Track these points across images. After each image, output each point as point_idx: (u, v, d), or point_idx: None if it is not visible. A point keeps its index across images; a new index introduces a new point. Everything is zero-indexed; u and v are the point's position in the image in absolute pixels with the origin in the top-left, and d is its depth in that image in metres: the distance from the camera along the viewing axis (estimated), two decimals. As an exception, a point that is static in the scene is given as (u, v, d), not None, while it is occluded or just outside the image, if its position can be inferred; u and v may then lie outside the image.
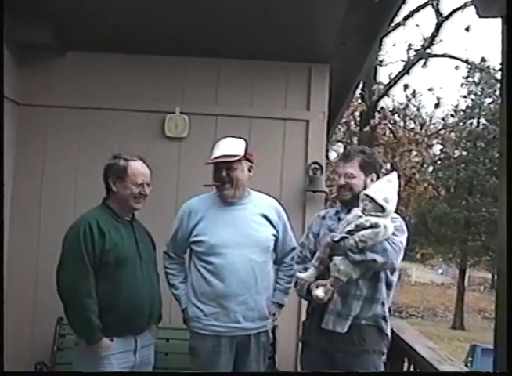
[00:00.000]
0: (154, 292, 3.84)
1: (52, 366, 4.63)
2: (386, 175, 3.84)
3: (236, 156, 3.96)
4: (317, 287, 3.63)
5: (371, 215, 3.59)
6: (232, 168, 3.96)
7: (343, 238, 3.63)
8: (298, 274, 3.85)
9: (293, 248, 4.17)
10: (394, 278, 3.81)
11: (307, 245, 3.94)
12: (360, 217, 3.64)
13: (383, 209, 3.58)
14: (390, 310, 3.86)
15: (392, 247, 3.56)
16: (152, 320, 3.86)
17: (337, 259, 3.63)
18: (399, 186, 3.79)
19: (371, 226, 3.54)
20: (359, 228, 3.58)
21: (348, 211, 3.81)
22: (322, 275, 3.71)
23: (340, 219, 3.86)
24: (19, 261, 5.11)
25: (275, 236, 4.09)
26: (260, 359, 4.05)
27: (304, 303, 4.91)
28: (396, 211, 3.78)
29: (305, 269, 3.80)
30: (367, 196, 3.63)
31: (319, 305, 3.69)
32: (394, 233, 3.63)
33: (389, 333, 3.79)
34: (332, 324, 3.68)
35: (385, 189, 3.65)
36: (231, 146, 4.01)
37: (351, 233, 3.61)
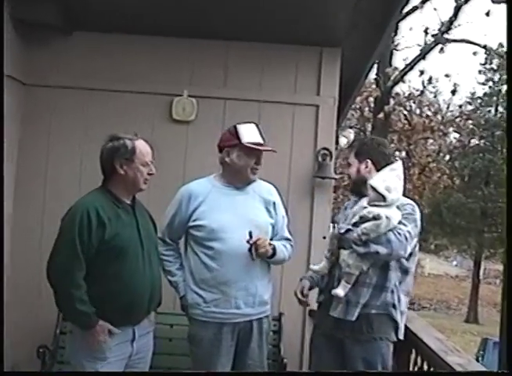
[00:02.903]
0: (155, 281, 3.76)
1: (55, 350, 4.70)
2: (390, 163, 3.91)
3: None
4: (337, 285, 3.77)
5: (375, 206, 3.66)
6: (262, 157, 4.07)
7: (348, 230, 3.73)
8: (312, 266, 4.08)
9: (286, 238, 4.20)
10: (411, 264, 3.87)
11: None
12: (365, 208, 3.71)
13: (384, 198, 3.63)
14: (407, 297, 3.92)
15: (397, 238, 3.61)
16: (151, 309, 3.81)
17: (344, 254, 3.75)
18: (404, 174, 3.83)
19: (374, 218, 3.60)
20: (363, 220, 3.66)
21: None
22: (333, 266, 3.87)
23: None
24: (23, 243, 5.18)
25: (272, 222, 4.12)
26: (262, 346, 4.08)
27: (311, 291, 4.99)
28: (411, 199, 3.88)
29: None
30: (370, 185, 3.70)
31: (329, 292, 3.83)
32: (401, 222, 3.68)
33: (399, 320, 3.83)
34: (342, 312, 3.80)
35: (388, 178, 3.70)
36: (261, 135, 4.08)
37: (356, 224, 3.70)
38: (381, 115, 18.74)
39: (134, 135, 3.75)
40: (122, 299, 3.56)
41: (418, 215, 3.82)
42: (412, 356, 4.26)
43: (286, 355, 4.95)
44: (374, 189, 3.66)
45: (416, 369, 4.13)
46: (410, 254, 3.81)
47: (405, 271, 3.85)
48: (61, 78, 5.33)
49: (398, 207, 3.73)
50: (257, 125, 4.11)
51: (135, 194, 3.82)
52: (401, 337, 3.87)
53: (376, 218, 3.59)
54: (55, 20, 5.01)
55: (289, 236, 4.22)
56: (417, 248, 3.91)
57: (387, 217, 3.59)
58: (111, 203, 3.63)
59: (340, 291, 3.74)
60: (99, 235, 3.50)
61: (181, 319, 4.36)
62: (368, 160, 3.99)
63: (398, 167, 3.78)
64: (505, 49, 27.35)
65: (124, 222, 3.62)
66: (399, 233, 3.63)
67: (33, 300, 5.09)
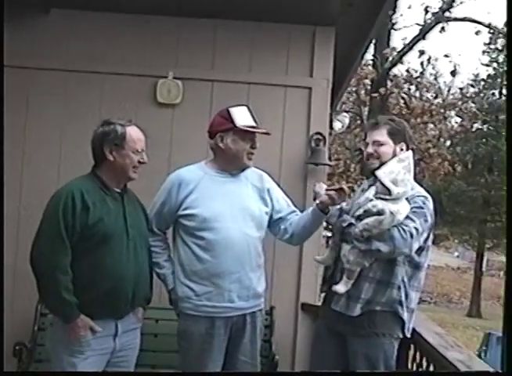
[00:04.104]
0: (141, 273, 3.79)
1: (32, 348, 4.70)
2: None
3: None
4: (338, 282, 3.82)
5: (381, 199, 3.65)
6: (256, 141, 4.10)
7: (350, 224, 3.75)
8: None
9: (293, 211, 4.25)
10: (423, 259, 3.87)
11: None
12: (371, 200, 3.71)
13: (389, 192, 3.62)
14: (417, 294, 3.94)
15: (401, 235, 3.60)
16: (136, 303, 3.82)
17: (346, 249, 3.77)
18: (414, 166, 3.84)
19: (378, 213, 3.60)
20: (367, 214, 3.66)
21: None
22: (338, 257, 3.88)
23: None
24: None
25: (267, 211, 4.16)
26: (255, 341, 4.10)
27: (304, 283, 4.99)
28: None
29: None
30: (376, 176, 3.70)
31: (332, 285, 3.86)
32: (408, 217, 3.67)
33: (406, 318, 3.84)
34: (343, 307, 3.84)
35: (395, 169, 3.68)
36: (253, 118, 4.10)
37: (360, 218, 3.71)
38: (375, 94, 18.67)
39: (127, 121, 3.81)
40: (102, 287, 3.60)
41: (430, 209, 3.82)
42: (411, 351, 4.27)
43: (277, 350, 4.98)
44: (380, 180, 3.66)
45: (414, 365, 4.14)
46: (422, 249, 3.82)
47: (415, 266, 3.85)
48: (37, 59, 5.31)
49: (407, 199, 3.72)
50: (248, 108, 4.12)
51: (126, 183, 3.87)
52: (408, 334, 3.89)
53: (380, 213, 3.59)
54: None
55: (295, 209, 4.28)
56: (430, 242, 3.91)
57: (391, 212, 3.58)
58: (98, 188, 3.70)
59: (340, 288, 3.78)
60: (83, 219, 3.56)
61: (167, 313, 4.38)
62: (403, 144, 3.94)
63: (406, 158, 3.77)
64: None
65: (109, 209, 3.68)
66: (404, 230, 3.62)
67: (7, 294, 5.02)
